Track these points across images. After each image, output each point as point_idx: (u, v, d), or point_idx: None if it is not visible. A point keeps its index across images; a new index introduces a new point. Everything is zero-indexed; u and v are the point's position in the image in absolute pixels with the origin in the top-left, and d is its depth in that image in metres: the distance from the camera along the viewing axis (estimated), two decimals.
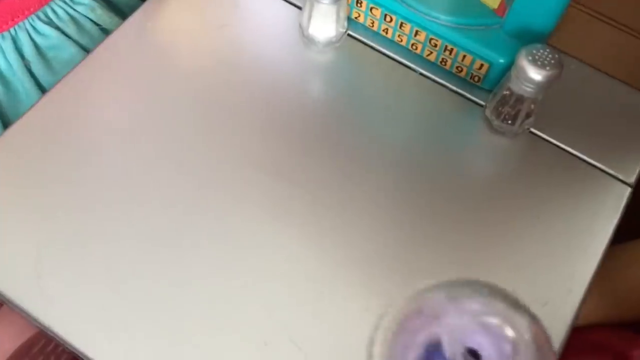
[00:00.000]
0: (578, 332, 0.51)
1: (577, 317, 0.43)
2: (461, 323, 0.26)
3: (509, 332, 0.26)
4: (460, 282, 0.28)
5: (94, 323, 0.40)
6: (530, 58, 0.43)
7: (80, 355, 0.40)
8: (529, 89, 0.44)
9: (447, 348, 0.25)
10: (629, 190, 0.47)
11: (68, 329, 0.40)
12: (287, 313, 0.41)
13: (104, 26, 0.60)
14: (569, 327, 0.42)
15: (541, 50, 0.43)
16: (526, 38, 0.46)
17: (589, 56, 0.51)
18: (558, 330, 0.42)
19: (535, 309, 0.41)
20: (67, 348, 0.43)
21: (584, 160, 0.48)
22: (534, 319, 0.26)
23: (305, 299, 0.41)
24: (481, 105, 0.50)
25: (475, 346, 0.25)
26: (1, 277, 0.41)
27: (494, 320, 0.26)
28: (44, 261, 0.42)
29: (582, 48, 0.51)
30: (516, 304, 0.26)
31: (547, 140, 0.49)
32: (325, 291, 0.42)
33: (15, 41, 0.56)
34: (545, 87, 0.44)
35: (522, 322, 0.26)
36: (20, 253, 0.42)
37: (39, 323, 0.40)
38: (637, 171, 0.48)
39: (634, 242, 0.52)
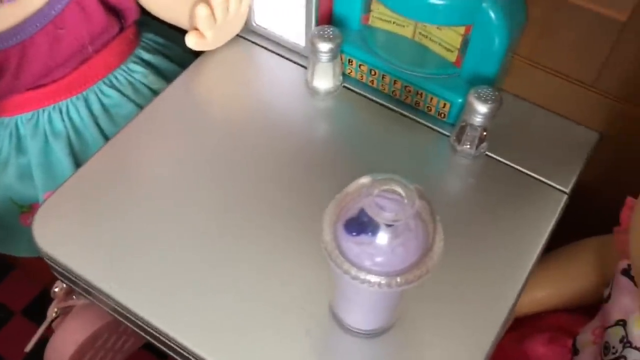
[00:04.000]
0: (538, 317, 0.63)
1: (518, 299, 0.54)
2: (375, 196, 0.41)
3: (410, 201, 0.40)
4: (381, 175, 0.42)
5: (157, 299, 0.53)
6: (476, 95, 0.57)
7: (144, 325, 0.53)
8: (478, 119, 0.58)
9: (365, 208, 0.39)
10: (565, 196, 0.60)
11: (137, 304, 0.53)
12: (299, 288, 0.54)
13: (154, 89, 0.76)
14: (511, 306, 0.54)
15: (485, 90, 0.57)
16: (477, 82, 0.60)
17: (530, 95, 0.65)
18: (501, 310, 0.53)
19: (483, 293, 0.54)
20: (132, 329, 0.56)
21: (529, 175, 0.61)
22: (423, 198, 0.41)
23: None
24: (447, 136, 0.63)
25: (382, 213, 0.40)
26: (87, 271, 0.55)
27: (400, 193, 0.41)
28: (116, 257, 0.56)
29: (525, 89, 0.65)
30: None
31: (500, 161, 0.62)
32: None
33: (86, 101, 0.72)
34: (490, 117, 0.57)
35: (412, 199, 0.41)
36: (98, 254, 0.56)
37: (115, 302, 0.53)
38: (572, 181, 0.60)
39: (578, 242, 0.64)
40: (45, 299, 1.12)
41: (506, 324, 0.54)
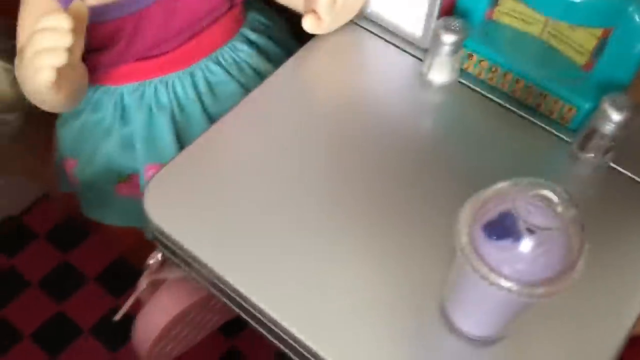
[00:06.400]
0: None
1: (636, 323, 0.51)
2: (524, 200, 0.39)
3: (558, 209, 0.39)
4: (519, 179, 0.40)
5: (258, 277, 0.53)
6: (610, 102, 0.54)
7: (239, 300, 0.52)
8: (609, 127, 0.54)
9: (515, 212, 0.37)
10: None
11: (238, 280, 0.53)
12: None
13: (258, 69, 0.76)
14: (632, 324, 0.51)
15: (620, 97, 0.54)
16: (608, 88, 0.56)
17: None
18: (620, 329, 0.50)
19: (602, 310, 0.51)
20: (223, 306, 0.56)
21: None
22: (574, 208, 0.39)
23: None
24: (567, 142, 0.60)
25: (532, 218, 0.38)
26: (191, 242, 0.55)
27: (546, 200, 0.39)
28: (221, 234, 0.55)
29: None
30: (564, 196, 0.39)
31: (624, 173, 0.58)
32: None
33: (192, 76, 0.72)
34: (622, 126, 0.54)
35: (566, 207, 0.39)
36: (204, 228, 0.55)
37: (214, 274, 0.53)
38: None
39: None
40: (119, 267, 1.14)
41: (624, 347, 0.51)
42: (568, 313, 0.51)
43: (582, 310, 0.52)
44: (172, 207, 0.57)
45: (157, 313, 0.65)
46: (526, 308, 0.44)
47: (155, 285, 0.70)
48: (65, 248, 1.16)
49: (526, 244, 0.39)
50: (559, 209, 0.38)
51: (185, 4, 0.66)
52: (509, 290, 0.39)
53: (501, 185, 0.41)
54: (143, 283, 0.69)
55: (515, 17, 0.60)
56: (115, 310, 0.70)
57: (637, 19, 0.52)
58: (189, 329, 0.70)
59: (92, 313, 1.08)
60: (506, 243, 0.39)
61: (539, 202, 0.39)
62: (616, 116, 0.54)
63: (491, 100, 0.64)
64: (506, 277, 0.39)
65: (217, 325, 0.76)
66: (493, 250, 0.40)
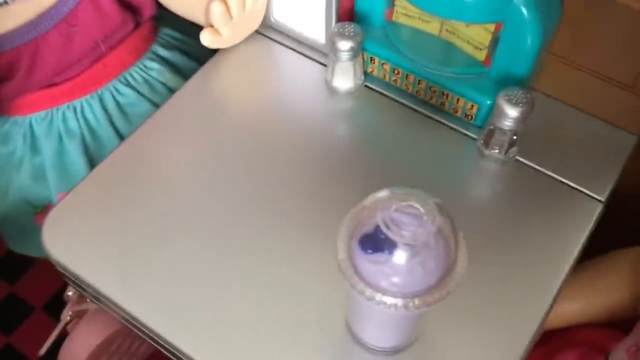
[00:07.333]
0: (568, 331, 0.59)
1: (548, 313, 0.51)
2: (393, 210, 0.38)
3: (429, 218, 0.37)
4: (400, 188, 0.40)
5: (167, 310, 0.51)
6: (506, 98, 0.53)
7: (154, 336, 0.51)
8: (507, 123, 0.54)
9: (384, 228, 0.37)
10: (600, 205, 0.56)
11: (146, 315, 0.51)
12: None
13: (171, 86, 0.74)
14: (541, 321, 0.50)
15: (515, 92, 0.53)
16: (508, 83, 0.56)
17: (565, 96, 0.61)
18: (530, 324, 0.50)
19: (510, 307, 0.50)
20: (143, 338, 0.54)
21: (562, 182, 0.57)
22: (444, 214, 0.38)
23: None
24: (474, 139, 0.60)
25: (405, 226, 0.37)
26: (96, 278, 0.53)
27: (419, 209, 0.38)
28: (126, 264, 0.54)
29: (560, 90, 0.61)
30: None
31: (531, 166, 0.58)
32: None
33: (101, 99, 0.71)
34: (520, 121, 0.54)
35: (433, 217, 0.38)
36: (108, 260, 0.54)
37: (124, 311, 0.52)
38: (608, 189, 0.56)
39: (612, 252, 0.60)
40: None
41: (535, 339, 0.50)
42: (478, 310, 0.51)
43: (493, 306, 0.51)
44: (73, 239, 0.55)
45: (79, 344, 0.64)
46: (416, 318, 0.43)
47: (79, 316, 0.68)
48: (11, 280, 1.13)
49: (400, 256, 0.38)
50: (425, 218, 0.37)
51: (82, 28, 0.65)
52: (385, 304, 0.38)
53: (379, 195, 0.41)
54: (66, 315, 0.67)
55: (413, 17, 0.60)
56: (64, 339, 0.69)
57: (524, 11, 0.52)
58: (117, 358, 0.68)
59: (40, 343, 1.06)
60: (381, 256, 0.38)
61: (412, 211, 0.39)
62: (512, 112, 0.53)
63: (398, 102, 0.63)
64: (383, 292, 0.38)
65: (150, 351, 0.75)
66: (369, 264, 0.39)
